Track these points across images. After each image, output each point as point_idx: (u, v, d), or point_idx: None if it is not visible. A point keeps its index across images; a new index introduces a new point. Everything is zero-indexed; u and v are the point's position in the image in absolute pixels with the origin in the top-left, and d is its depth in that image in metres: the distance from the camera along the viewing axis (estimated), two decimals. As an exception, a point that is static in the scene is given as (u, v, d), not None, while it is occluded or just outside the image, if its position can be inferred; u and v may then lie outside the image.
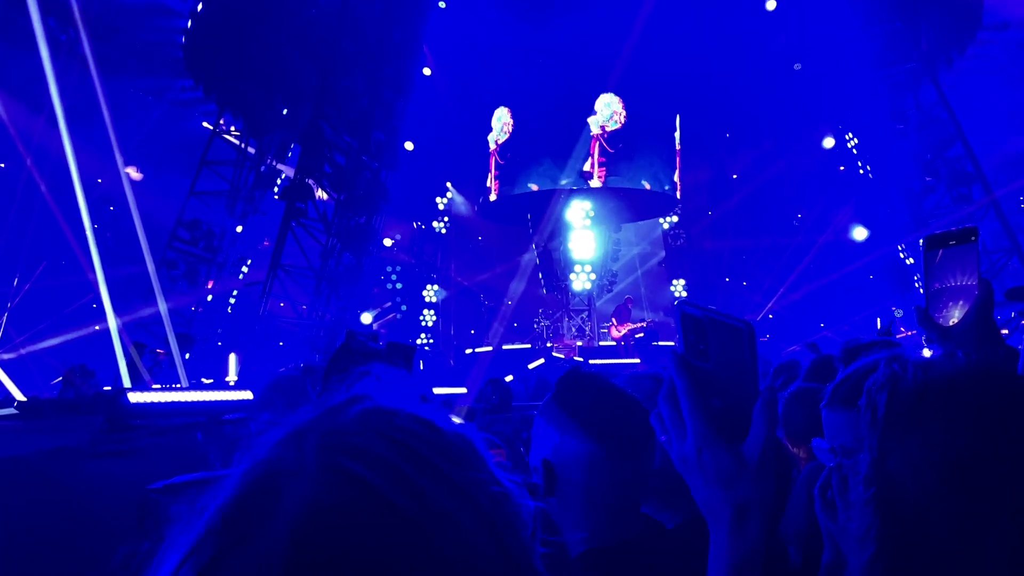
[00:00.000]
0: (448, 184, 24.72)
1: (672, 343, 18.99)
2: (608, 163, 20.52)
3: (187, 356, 14.04)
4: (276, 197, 16.86)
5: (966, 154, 16.83)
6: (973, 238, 1.44)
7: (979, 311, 1.43)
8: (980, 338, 1.39)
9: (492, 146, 21.54)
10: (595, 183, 20.51)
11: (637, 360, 16.72)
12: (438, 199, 24.74)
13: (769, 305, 21.72)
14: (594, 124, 20.47)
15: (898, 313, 17.19)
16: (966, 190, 16.78)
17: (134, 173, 25.00)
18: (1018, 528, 0.95)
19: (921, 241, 1.48)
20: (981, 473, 0.97)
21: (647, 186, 21.12)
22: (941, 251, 1.46)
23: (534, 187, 21.02)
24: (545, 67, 18.70)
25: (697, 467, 1.00)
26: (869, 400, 1.09)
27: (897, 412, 1.05)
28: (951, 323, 1.45)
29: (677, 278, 24.49)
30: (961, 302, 1.44)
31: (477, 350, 19.54)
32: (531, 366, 15.57)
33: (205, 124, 21.51)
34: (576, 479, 1.63)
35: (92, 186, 20.18)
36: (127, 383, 10.95)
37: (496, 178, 21.67)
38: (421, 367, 18.09)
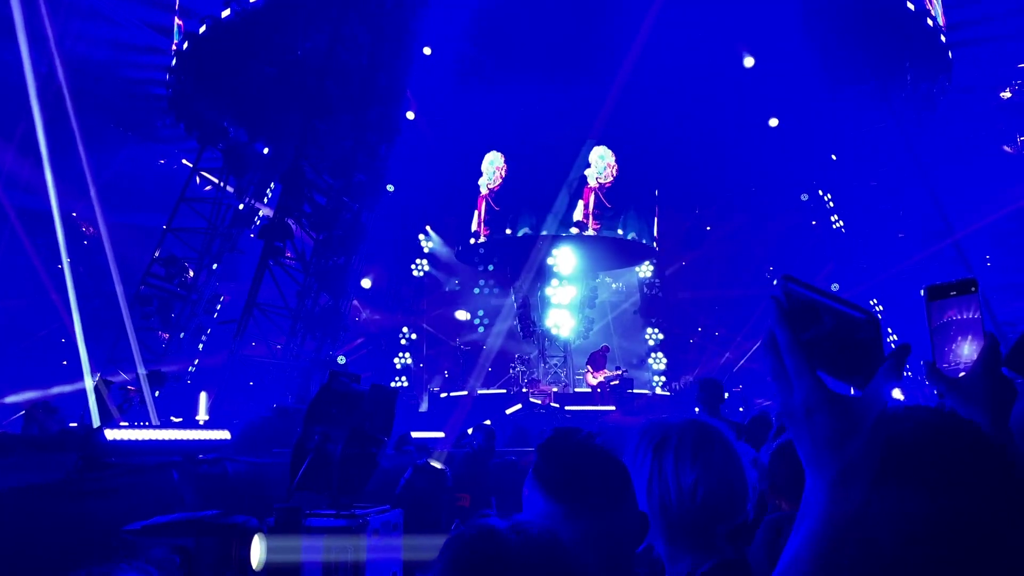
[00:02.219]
0: (427, 227, 24.77)
1: (647, 391, 18.97)
2: (600, 215, 20.79)
3: (157, 394, 13.80)
4: (253, 236, 16.80)
5: (937, 212, 17.23)
6: (973, 289, 1.46)
7: (985, 363, 1.42)
8: (989, 390, 1.40)
9: (484, 191, 21.66)
10: (589, 232, 20.73)
11: (612, 407, 16.70)
12: (418, 241, 24.77)
13: (742, 361, 21.84)
14: (591, 177, 20.78)
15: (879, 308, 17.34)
16: (937, 247, 17.14)
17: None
18: None
19: (923, 291, 1.50)
20: (938, 536, 0.97)
21: (631, 236, 21.35)
22: (941, 301, 1.48)
23: (523, 233, 21.13)
24: (528, 116, 18.92)
25: (805, 425, 0.97)
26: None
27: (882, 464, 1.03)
28: (959, 374, 1.46)
29: (651, 326, 24.59)
30: (967, 348, 1.46)
31: (452, 394, 19.42)
32: (508, 412, 15.49)
33: (185, 161, 21.49)
34: None
35: (66, 220, 19.99)
36: (96, 421, 10.71)
37: (484, 223, 21.75)
38: (394, 410, 17.87)
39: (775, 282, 1.04)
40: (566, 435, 1.72)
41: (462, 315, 24.43)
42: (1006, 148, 24.41)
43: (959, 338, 1.45)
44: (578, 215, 20.75)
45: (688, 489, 1.82)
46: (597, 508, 1.59)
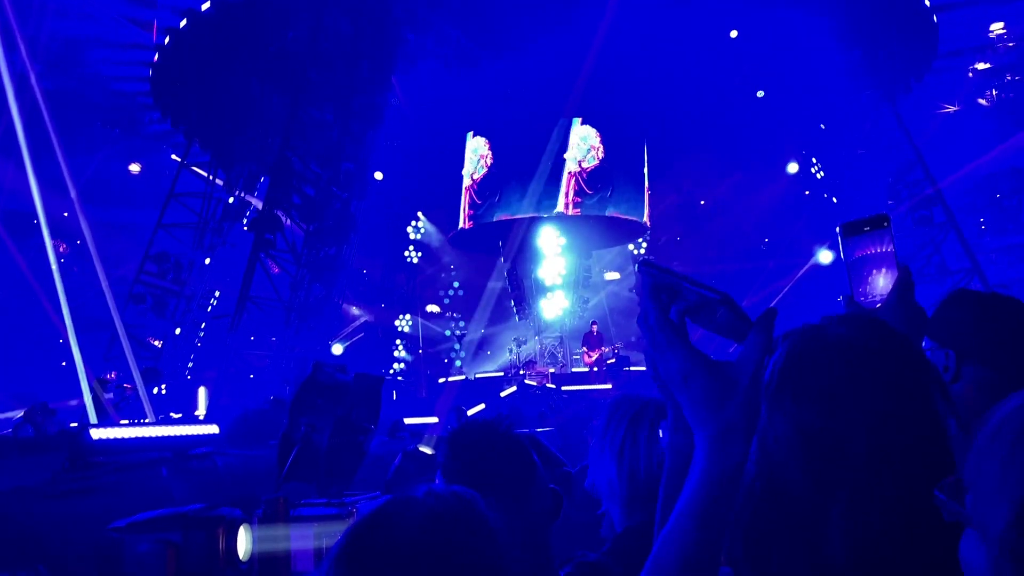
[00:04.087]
0: (419, 214, 24.76)
1: (643, 367, 19.08)
2: (583, 195, 20.79)
3: (155, 391, 13.86)
4: (245, 228, 16.80)
5: (926, 177, 17.22)
6: (886, 224, 1.51)
7: (900, 294, 1.48)
8: (903, 319, 1.44)
9: (468, 179, 21.69)
10: (572, 213, 20.75)
11: (609, 386, 16.76)
12: (409, 228, 24.76)
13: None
14: (571, 160, 20.74)
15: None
16: (927, 212, 17.15)
17: (135, 167, 24.88)
18: (858, 503, 1.00)
19: (837, 228, 1.54)
20: (823, 446, 1.03)
21: (618, 215, 21.36)
22: (856, 237, 1.53)
23: (506, 216, 21.16)
24: (511, 95, 18.88)
25: (684, 391, 1.02)
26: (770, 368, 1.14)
27: (769, 382, 1.10)
28: (876, 306, 1.50)
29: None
30: (882, 280, 1.51)
31: (449, 379, 19.48)
32: (503, 394, 15.54)
33: (173, 156, 21.44)
34: None
35: (58, 220, 20.00)
36: (93, 419, 10.77)
37: (470, 207, 21.79)
38: (394, 397, 17.98)
39: (635, 267, 1.10)
40: (471, 428, 1.74)
41: (432, 308, 24.55)
42: (980, 101, 24.39)
43: (874, 271, 1.51)
44: (562, 198, 20.75)
45: (658, 460, 1.85)
46: (504, 500, 1.60)
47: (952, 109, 23.53)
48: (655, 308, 1.06)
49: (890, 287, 1.49)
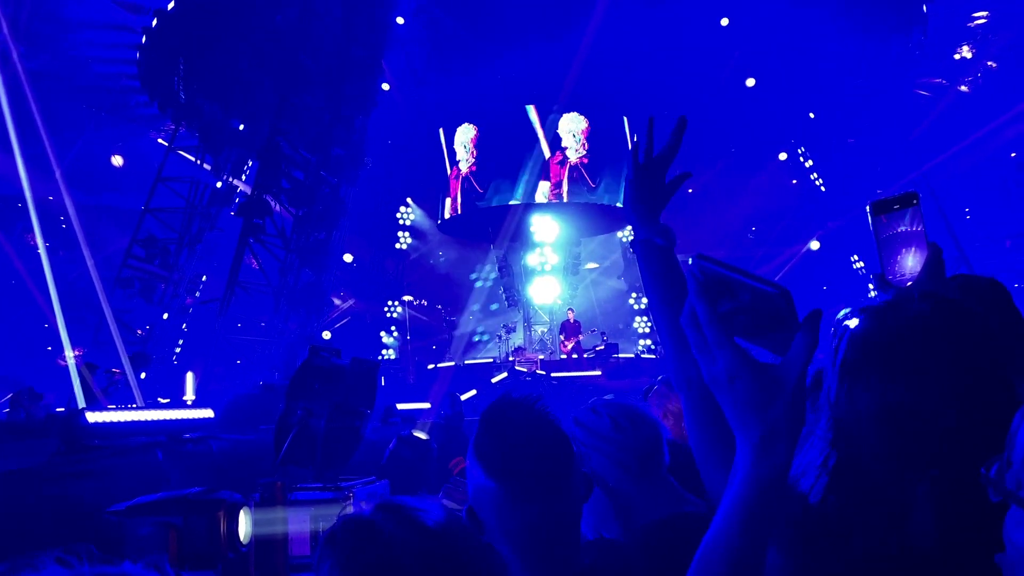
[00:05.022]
0: (408, 200, 24.68)
1: (631, 355, 19.10)
2: (571, 183, 20.81)
3: (143, 375, 13.78)
4: (233, 214, 16.69)
5: (914, 166, 17.34)
6: (915, 201, 1.51)
7: (930, 272, 1.49)
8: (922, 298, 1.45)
9: (457, 167, 21.66)
10: (558, 201, 20.78)
11: (598, 372, 16.81)
12: (398, 214, 24.67)
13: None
14: (560, 148, 20.77)
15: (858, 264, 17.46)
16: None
17: (118, 160, 24.69)
18: (948, 479, 1.00)
19: (868, 207, 1.54)
20: (912, 424, 1.02)
21: (607, 202, 21.39)
22: (886, 216, 1.53)
23: (495, 203, 21.16)
24: (501, 82, 18.83)
25: (728, 392, 1.00)
26: (834, 346, 1.14)
27: (849, 360, 1.10)
28: (907, 284, 1.50)
29: (635, 291, 24.68)
30: (911, 259, 1.50)
31: (439, 365, 19.48)
32: (494, 380, 15.57)
33: (160, 140, 21.26)
34: (492, 522, 1.56)
35: (43, 204, 19.80)
36: (82, 404, 10.71)
37: (459, 194, 21.78)
38: (383, 383, 17.96)
39: (689, 260, 1.08)
40: (510, 405, 1.64)
41: (445, 287, 24.51)
42: (962, 88, 24.54)
43: (904, 250, 1.51)
44: (551, 186, 20.76)
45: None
46: (538, 483, 1.53)
47: (930, 91, 23.70)
48: (705, 304, 1.03)
49: (920, 266, 1.48)
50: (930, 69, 22.39)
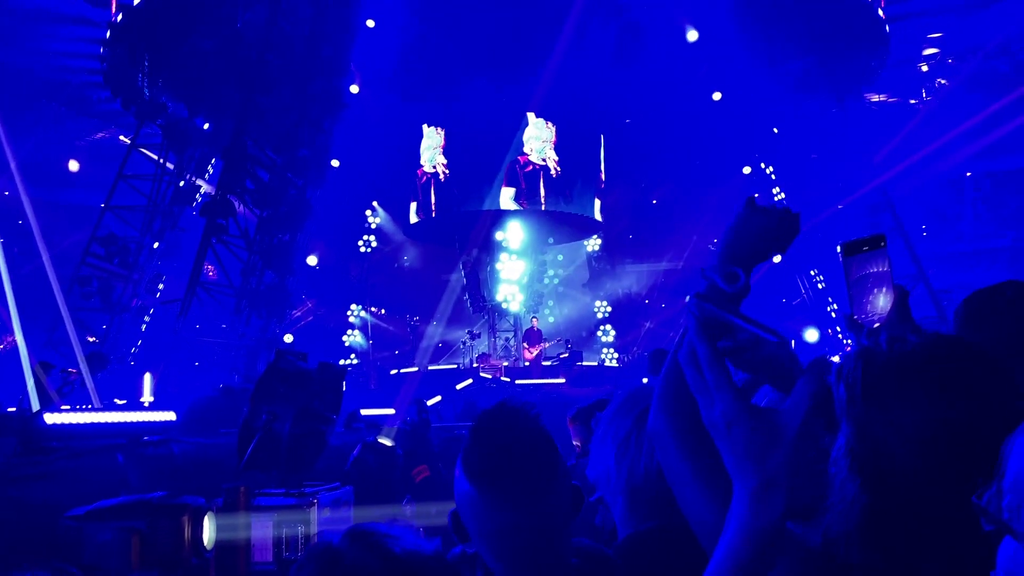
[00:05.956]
0: (375, 203, 24.56)
1: (595, 363, 19.18)
2: (538, 191, 20.90)
3: (99, 376, 13.51)
4: (195, 213, 16.46)
5: (874, 183, 17.68)
6: (883, 244, 1.55)
7: (900, 313, 1.53)
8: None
9: (424, 171, 21.63)
10: (525, 208, 20.86)
11: (562, 380, 16.86)
12: (365, 218, 24.54)
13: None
14: (527, 155, 20.84)
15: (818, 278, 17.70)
16: (875, 218, 17.59)
17: (74, 165, 24.26)
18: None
19: (839, 248, 1.57)
20: (966, 438, 0.99)
21: (573, 211, 21.53)
22: (856, 257, 1.56)
23: (463, 209, 21.17)
24: (471, 88, 18.85)
25: (726, 438, 0.98)
26: (842, 376, 1.11)
27: (877, 382, 1.07)
28: (875, 325, 1.52)
29: (600, 299, 24.83)
30: (880, 300, 1.53)
31: (403, 371, 19.38)
32: (459, 387, 15.52)
33: (123, 138, 20.92)
34: (475, 528, 1.58)
35: (-1, 199, 19.40)
36: (36, 405, 10.46)
37: (425, 198, 21.75)
38: (343, 388, 17.78)
39: (687, 298, 1.06)
40: (501, 413, 1.65)
41: (409, 292, 24.43)
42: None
43: (874, 291, 1.53)
44: (517, 193, 20.83)
45: (656, 469, 1.76)
46: (525, 493, 1.53)
47: (887, 101, 24.26)
48: (706, 343, 1.01)
49: (889, 306, 1.52)
50: (890, 87, 22.92)
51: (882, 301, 1.52)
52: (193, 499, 3.79)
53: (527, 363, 19.07)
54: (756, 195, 1.53)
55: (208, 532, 3.70)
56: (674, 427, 1.31)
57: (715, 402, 0.99)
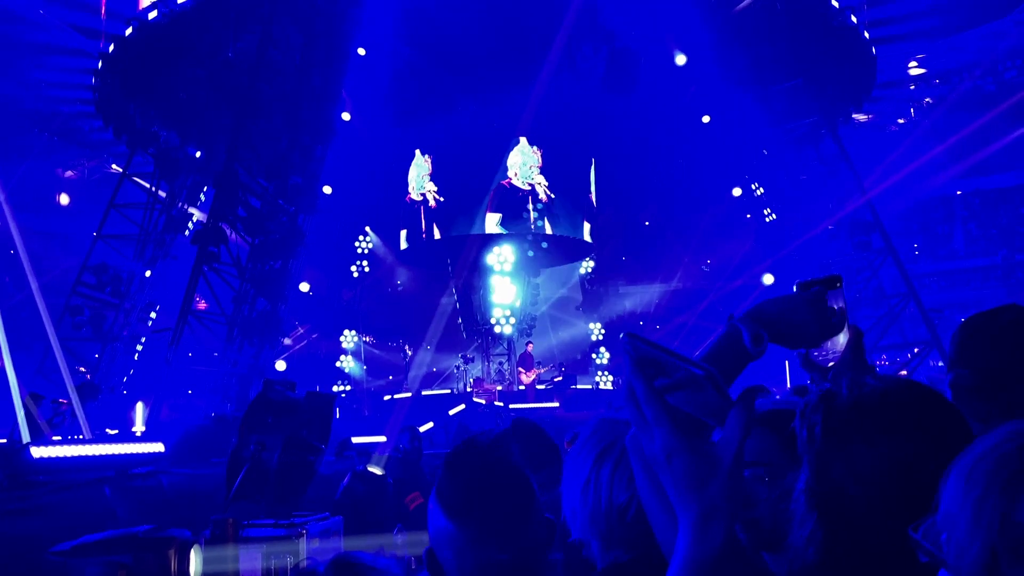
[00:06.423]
0: (367, 228, 24.61)
1: (589, 386, 19.17)
2: (524, 214, 21.01)
3: (91, 405, 13.43)
4: (192, 242, 16.47)
5: (865, 203, 17.76)
6: (839, 284, 1.56)
7: (854, 352, 1.54)
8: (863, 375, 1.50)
9: (415, 197, 21.73)
10: (504, 230, 20.99)
11: (556, 404, 16.83)
12: (357, 244, 24.56)
13: (697, 352, 22.14)
14: (517, 181, 20.95)
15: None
16: (865, 238, 17.66)
17: (64, 199, 24.33)
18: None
19: (795, 286, 1.59)
20: (916, 476, 1.04)
21: (561, 233, 21.60)
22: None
23: (453, 233, 21.22)
24: (460, 113, 18.97)
25: (667, 470, 1.00)
26: (804, 419, 1.17)
27: (836, 424, 1.13)
28: (829, 364, 1.55)
29: (594, 322, 24.84)
30: (837, 340, 1.54)
31: (396, 396, 19.33)
32: (452, 412, 15.48)
33: (115, 167, 20.97)
34: (453, 564, 1.58)
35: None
36: (26, 436, 10.40)
37: (414, 225, 21.82)
38: (337, 415, 17.73)
39: (621, 336, 1.08)
40: (473, 449, 1.68)
41: (402, 317, 24.43)
42: (899, 120, 25.50)
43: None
44: (496, 219, 20.95)
45: (619, 508, 1.73)
46: (499, 528, 1.55)
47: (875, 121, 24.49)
48: (642, 381, 1.03)
49: (843, 346, 1.54)
50: (878, 107, 23.15)
51: (840, 340, 1.53)
52: (179, 532, 3.77)
53: (523, 387, 19.04)
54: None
55: (194, 565, 3.68)
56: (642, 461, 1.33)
57: (655, 436, 1.02)
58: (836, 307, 1.51)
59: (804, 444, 1.13)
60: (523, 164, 21.05)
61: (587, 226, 22.61)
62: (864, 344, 1.58)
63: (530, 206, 21.04)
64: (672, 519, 1.12)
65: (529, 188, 21.04)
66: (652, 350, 1.04)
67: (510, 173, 20.97)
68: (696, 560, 0.97)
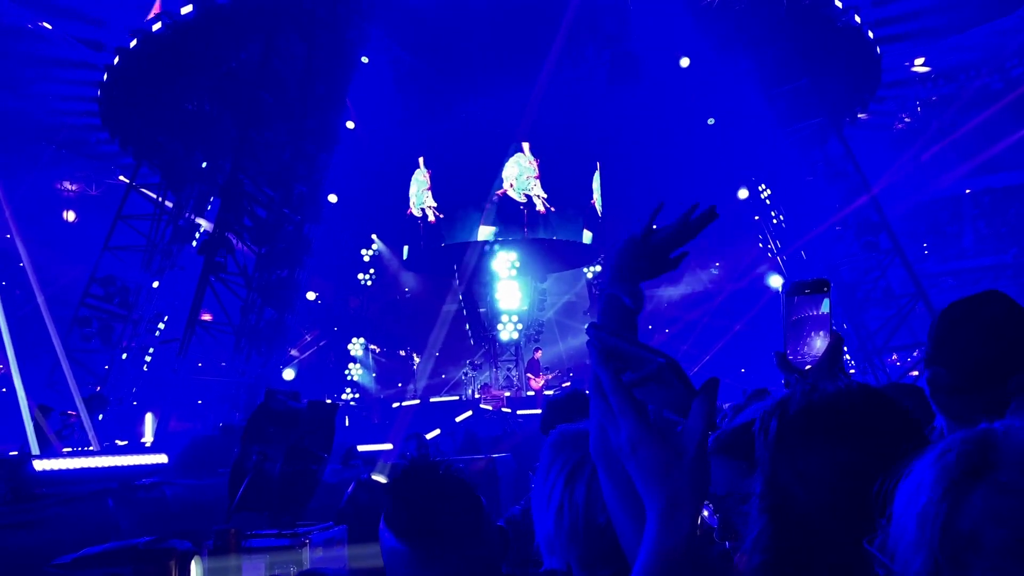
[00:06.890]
0: (374, 236, 24.64)
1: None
2: (520, 222, 21.01)
3: (100, 417, 13.47)
4: (198, 253, 16.52)
5: (872, 204, 17.67)
6: (826, 289, 1.57)
7: (831, 357, 1.55)
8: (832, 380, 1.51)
9: (419, 203, 21.76)
10: (503, 238, 21.00)
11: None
12: (363, 251, 24.60)
13: (706, 357, 22.08)
14: (516, 186, 20.93)
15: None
16: (873, 238, 17.57)
17: (70, 215, 24.50)
18: None
19: (782, 290, 1.61)
20: (865, 481, 1.02)
21: (560, 237, 21.58)
22: (797, 298, 1.59)
23: (457, 240, 21.23)
24: (463, 119, 18.99)
25: (632, 460, 1.02)
26: (762, 424, 1.20)
27: (787, 430, 1.15)
28: (806, 366, 1.57)
29: (602, 327, 24.76)
30: (816, 343, 1.57)
31: (404, 404, 19.32)
32: (459, 419, 15.45)
33: (122, 178, 21.07)
34: None
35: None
36: (35, 449, 10.43)
37: (415, 238, 21.88)
38: (347, 423, 17.76)
39: (586, 327, 1.10)
40: (413, 476, 1.69)
41: (409, 324, 24.42)
42: (905, 118, 25.33)
43: (812, 333, 1.57)
44: (491, 230, 20.95)
45: (599, 527, 1.68)
46: (452, 545, 1.57)
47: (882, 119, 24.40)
48: (608, 372, 1.05)
49: (823, 349, 1.55)
50: (884, 106, 23.05)
51: (818, 344, 1.56)
52: (180, 543, 3.76)
53: (532, 392, 19.00)
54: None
55: (195, 577, 3.66)
56: (605, 460, 1.33)
57: (620, 427, 1.03)
58: (821, 313, 1.53)
59: (759, 448, 1.16)
60: (519, 176, 21.03)
61: (588, 234, 22.55)
62: (842, 349, 1.58)
63: (525, 214, 21.01)
64: (638, 526, 1.13)
65: (526, 200, 21.01)
66: (616, 340, 1.06)
67: (505, 184, 20.95)
68: (663, 548, 0.98)
